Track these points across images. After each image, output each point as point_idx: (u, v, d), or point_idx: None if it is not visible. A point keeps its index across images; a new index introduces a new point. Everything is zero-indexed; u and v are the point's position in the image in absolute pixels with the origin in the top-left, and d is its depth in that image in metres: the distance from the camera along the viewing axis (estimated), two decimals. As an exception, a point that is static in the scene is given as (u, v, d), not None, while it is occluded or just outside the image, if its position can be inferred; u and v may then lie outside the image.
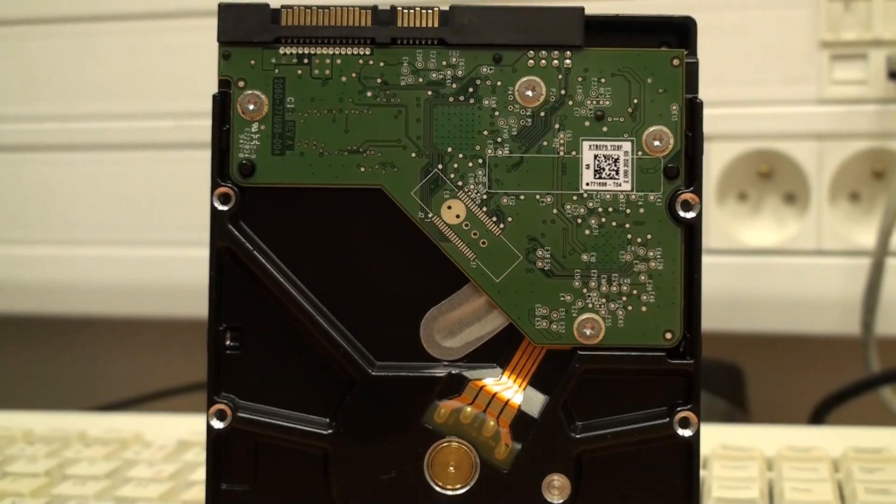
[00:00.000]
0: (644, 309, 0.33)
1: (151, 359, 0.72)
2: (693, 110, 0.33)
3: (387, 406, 0.34)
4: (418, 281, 0.34)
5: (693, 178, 0.33)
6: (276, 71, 0.34)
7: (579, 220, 0.33)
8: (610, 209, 0.33)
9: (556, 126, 0.33)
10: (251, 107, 0.34)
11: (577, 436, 0.34)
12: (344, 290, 0.34)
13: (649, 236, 0.33)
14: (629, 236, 0.33)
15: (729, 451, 0.43)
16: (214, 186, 0.34)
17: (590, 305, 0.33)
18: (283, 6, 0.34)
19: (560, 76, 0.33)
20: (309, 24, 0.34)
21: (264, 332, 0.34)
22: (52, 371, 0.75)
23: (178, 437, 0.46)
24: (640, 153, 0.33)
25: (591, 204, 0.33)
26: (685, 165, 0.33)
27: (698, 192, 0.33)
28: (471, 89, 0.34)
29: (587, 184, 0.33)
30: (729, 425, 0.50)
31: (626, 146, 0.33)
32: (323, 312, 0.34)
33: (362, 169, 0.34)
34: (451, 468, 0.34)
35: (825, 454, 0.42)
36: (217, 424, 0.34)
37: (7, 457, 0.44)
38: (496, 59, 0.34)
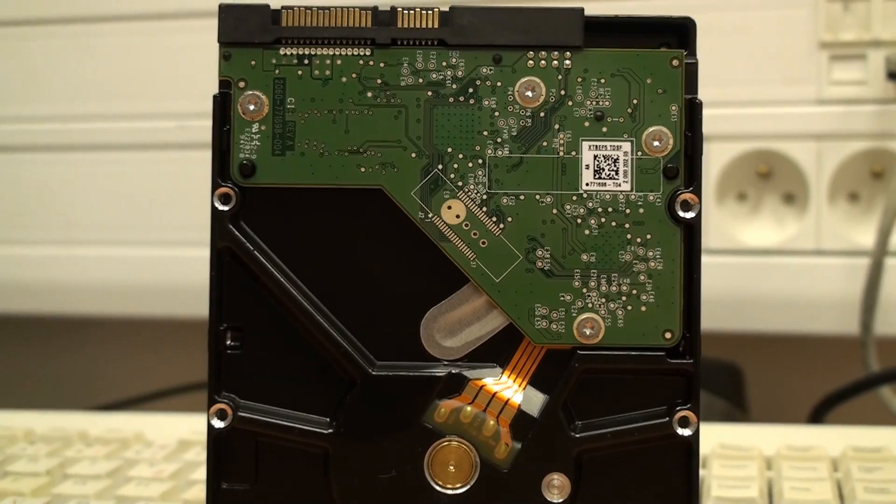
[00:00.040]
0: (644, 309, 0.33)
1: (152, 358, 0.72)
2: (692, 110, 0.33)
3: (387, 405, 0.34)
4: (418, 281, 0.34)
5: (692, 179, 0.34)
6: (277, 71, 0.34)
7: (579, 220, 0.33)
8: (609, 209, 0.33)
9: (556, 126, 0.34)
10: (252, 107, 0.34)
11: (577, 435, 0.34)
12: (344, 289, 0.34)
13: (649, 236, 0.33)
14: (629, 236, 0.33)
15: (728, 450, 0.43)
16: (215, 186, 0.34)
17: (589, 305, 0.34)
18: (283, 7, 0.34)
19: (560, 77, 0.34)
20: (309, 25, 0.34)
21: (265, 332, 0.34)
22: (52, 371, 0.75)
23: (179, 437, 0.46)
24: (639, 153, 0.34)
25: (590, 204, 0.33)
26: (685, 165, 0.34)
27: (698, 192, 0.33)
28: (471, 90, 0.34)
29: (587, 184, 0.33)
30: (728, 425, 0.50)
31: (626, 146, 0.34)
32: (323, 312, 0.34)
33: (362, 169, 0.34)
34: (452, 467, 0.34)
35: (824, 453, 0.42)
36: (218, 424, 0.34)
37: (8, 456, 0.44)
38: (496, 59, 0.34)
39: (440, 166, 0.34)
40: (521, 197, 0.33)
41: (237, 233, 0.34)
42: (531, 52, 0.34)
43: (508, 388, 0.34)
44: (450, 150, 0.34)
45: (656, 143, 0.33)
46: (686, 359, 0.34)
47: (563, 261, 0.34)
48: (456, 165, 0.34)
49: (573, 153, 0.34)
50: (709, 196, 0.58)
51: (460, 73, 0.34)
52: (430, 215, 0.34)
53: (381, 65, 0.34)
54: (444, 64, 0.34)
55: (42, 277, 0.66)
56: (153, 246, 0.64)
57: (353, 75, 0.34)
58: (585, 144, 0.34)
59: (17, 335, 0.74)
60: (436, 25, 0.34)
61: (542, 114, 0.34)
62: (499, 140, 0.34)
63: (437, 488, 0.34)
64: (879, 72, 0.56)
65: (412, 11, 0.34)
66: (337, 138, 0.34)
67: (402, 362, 0.34)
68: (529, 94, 0.34)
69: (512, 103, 0.34)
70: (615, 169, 0.33)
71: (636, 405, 0.34)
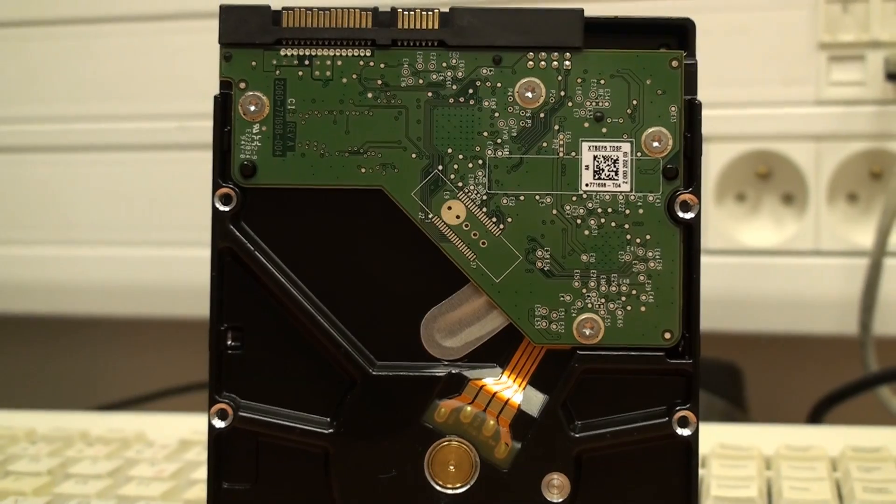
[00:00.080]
0: (643, 309, 0.34)
1: (153, 358, 0.72)
2: (692, 111, 0.34)
3: (387, 405, 0.34)
4: (418, 281, 0.34)
5: (692, 179, 0.34)
6: (278, 72, 0.34)
7: (579, 221, 0.34)
8: (609, 210, 0.34)
9: (556, 127, 0.34)
10: (252, 108, 0.34)
11: (577, 435, 0.34)
12: (344, 290, 0.34)
13: (648, 237, 0.34)
14: (628, 237, 0.34)
15: (727, 450, 0.43)
16: (216, 187, 0.34)
17: (589, 305, 0.34)
18: (284, 8, 0.34)
19: (559, 77, 0.34)
20: (310, 26, 0.34)
21: (265, 332, 0.34)
22: (54, 371, 0.75)
23: (180, 437, 0.46)
24: (639, 154, 0.34)
25: (590, 205, 0.34)
26: (684, 166, 0.34)
27: (697, 192, 0.33)
28: (471, 90, 0.34)
29: (586, 184, 0.34)
30: (727, 424, 0.50)
31: (626, 147, 0.34)
32: (324, 312, 0.34)
33: (363, 170, 0.34)
34: (452, 467, 0.34)
35: (823, 453, 0.42)
36: (218, 424, 0.34)
37: (9, 456, 0.44)
38: (496, 60, 0.34)
39: (440, 167, 0.34)
40: (521, 197, 0.34)
41: (238, 233, 0.34)
42: (531, 53, 0.34)
43: (508, 388, 0.34)
44: (450, 150, 0.34)
45: (656, 144, 0.34)
46: (685, 359, 0.34)
47: (562, 261, 0.34)
48: (456, 166, 0.34)
49: (573, 154, 0.34)
50: (708, 196, 0.58)
51: (460, 73, 0.34)
52: (430, 216, 0.34)
53: (382, 66, 0.34)
54: (445, 65, 0.34)
55: (43, 277, 0.66)
56: (154, 246, 0.64)
57: (354, 76, 0.34)
58: (585, 145, 0.34)
59: (19, 335, 0.74)
60: (436, 26, 0.34)
61: (541, 114, 0.34)
62: (499, 141, 0.34)
63: (438, 488, 0.34)
64: (878, 73, 0.56)
65: (412, 12, 0.34)
66: (337, 139, 0.34)
67: (403, 362, 0.34)
68: (529, 94, 0.34)
69: (512, 104, 0.34)
70: (615, 169, 0.34)
71: (636, 405, 0.34)
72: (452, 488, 0.34)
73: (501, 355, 0.34)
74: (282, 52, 0.34)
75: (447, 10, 0.34)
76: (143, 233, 0.65)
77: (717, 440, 0.44)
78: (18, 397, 0.70)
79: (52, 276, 0.65)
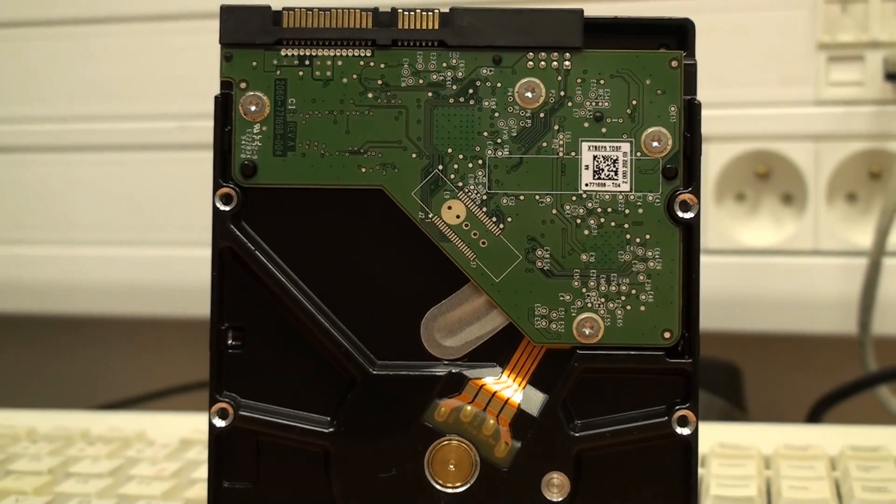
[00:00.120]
0: (643, 308, 0.34)
1: (154, 358, 0.72)
2: (691, 111, 0.34)
3: (387, 405, 0.34)
4: (418, 281, 0.34)
5: (691, 179, 0.34)
6: (278, 72, 0.34)
7: (578, 221, 0.34)
8: (609, 209, 0.34)
9: (556, 127, 0.34)
10: (253, 108, 0.34)
11: (577, 434, 0.34)
12: (345, 289, 0.34)
13: (648, 236, 0.34)
14: (628, 236, 0.34)
15: (727, 449, 0.43)
16: (216, 187, 0.34)
17: (589, 305, 0.34)
18: (284, 8, 0.34)
19: (559, 78, 0.34)
20: (310, 26, 0.34)
21: (266, 332, 0.34)
22: (54, 370, 0.75)
23: (181, 436, 0.46)
24: (638, 154, 0.34)
25: (590, 204, 0.34)
26: (683, 166, 0.34)
27: (696, 192, 0.34)
28: (471, 91, 0.34)
29: (586, 184, 0.34)
30: (727, 424, 0.50)
31: (625, 147, 0.34)
32: (324, 312, 0.34)
33: (363, 170, 0.34)
34: (452, 466, 0.34)
35: (822, 452, 0.42)
36: (219, 423, 0.34)
37: (10, 455, 0.44)
38: (496, 60, 0.34)
39: (440, 167, 0.34)
40: (521, 197, 0.34)
41: (238, 233, 0.34)
42: (531, 53, 0.34)
43: (508, 387, 0.34)
44: (450, 150, 0.34)
45: (655, 144, 0.34)
46: (685, 358, 0.34)
47: (562, 261, 0.34)
48: (456, 166, 0.34)
49: (573, 154, 0.34)
50: (707, 196, 0.58)
51: (460, 73, 0.34)
52: (430, 215, 0.34)
53: (382, 66, 0.34)
54: (445, 65, 0.34)
55: (44, 277, 0.66)
56: (155, 246, 0.64)
57: (354, 76, 0.34)
58: (585, 145, 0.34)
59: (20, 335, 0.74)
60: (436, 27, 0.34)
61: (541, 114, 0.34)
62: (499, 141, 0.34)
63: (438, 487, 0.34)
64: (877, 73, 0.56)
65: (413, 13, 0.34)
66: (338, 139, 0.34)
67: (403, 362, 0.34)
68: (529, 94, 0.34)
69: (512, 104, 0.34)
70: (614, 169, 0.34)
71: (635, 404, 0.34)
72: (452, 487, 0.34)
73: (501, 355, 0.34)
74: (282, 53, 0.34)
75: (447, 10, 0.34)
76: (144, 233, 0.65)
77: (716, 439, 0.44)
78: (19, 397, 0.70)
79: (52, 275, 0.66)
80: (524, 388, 0.34)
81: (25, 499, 0.40)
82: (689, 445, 0.34)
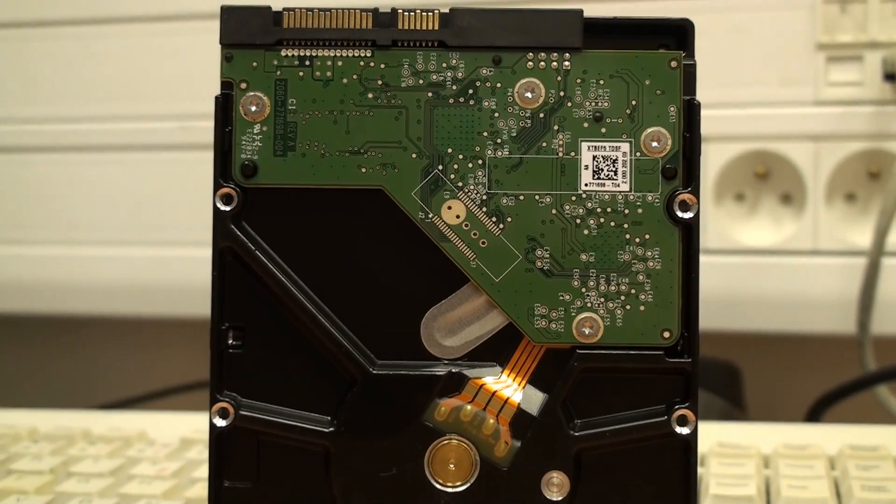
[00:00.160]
0: (642, 308, 0.34)
1: (154, 358, 0.72)
2: (691, 111, 0.34)
3: (387, 404, 0.34)
4: (419, 280, 0.34)
5: (691, 179, 0.34)
6: (278, 73, 0.34)
7: (578, 221, 0.34)
8: (608, 209, 0.34)
9: (556, 127, 0.34)
10: (253, 108, 0.34)
11: (576, 433, 0.34)
12: (345, 289, 0.34)
13: (647, 236, 0.34)
14: (627, 236, 0.34)
15: (726, 448, 0.43)
16: (217, 187, 0.34)
17: (588, 305, 0.34)
18: (284, 9, 0.34)
19: (559, 78, 0.34)
20: (310, 27, 0.34)
21: (266, 332, 0.34)
22: (56, 370, 0.75)
23: (181, 435, 0.46)
24: (638, 154, 0.34)
25: (589, 204, 0.34)
26: (683, 166, 0.34)
27: (696, 192, 0.34)
28: (471, 91, 0.34)
29: (586, 184, 0.34)
30: (726, 423, 0.50)
31: (625, 147, 0.34)
32: (324, 312, 0.34)
33: (363, 170, 0.34)
34: (452, 465, 0.34)
35: (821, 452, 0.42)
36: (220, 422, 0.34)
37: (12, 454, 0.45)
38: (496, 60, 0.34)
39: (440, 167, 0.34)
40: (521, 197, 0.34)
41: (239, 233, 0.34)
42: (531, 54, 0.34)
43: (508, 386, 0.34)
44: (450, 150, 0.34)
45: (655, 144, 0.34)
46: (684, 358, 0.34)
47: (562, 261, 0.34)
48: (456, 166, 0.34)
49: (572, 154, 0.34)
50: (707, 196, 0.58)
51: (460, 74, 0.34)
52: (430, 215, 0.34)
53: (382, 66, 0.34)
54: (445, 65, 0.34)
55: (45, 277, 0.66)
56: (156, 246, 0.64)
57: (354, 76, 0.34)
58: (584, 145, 0.34)
59: (21, 335, 0.74)
60: (436, 27, 0.34)
61: (541, 115, 0.34)
62: (498, 141, 0.34)
63: (438, 486, 0.34)
64: (876, 73, 0.56)
65: (413, 13, 0.34)
66: (338, 139, 0.34)
67: (403, 361, 0.34)
68: (529, 95, 0.34)
69: (511, 104, 0.34)
70: (614, 169, 0.34)
71: (635, 404, 0.34)
72: (452, 486, 0.34)
73: (501, 354, 0.34)
74: (282, 53, 0.34)
75: (447, 10, 0.34)
76: (145, 233, 0.65)
77: (715, 439, 0.44)
78: (20, 396, 0.70)
79: (53, 275, 0.66)
80: (524, 387, 0.34)
81: (27, 498, 0.40)
82: (689, 445, 0.34)
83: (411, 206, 0.34)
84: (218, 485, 0.35)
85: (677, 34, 0.34)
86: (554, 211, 0.34)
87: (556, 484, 0.34)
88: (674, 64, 0.34)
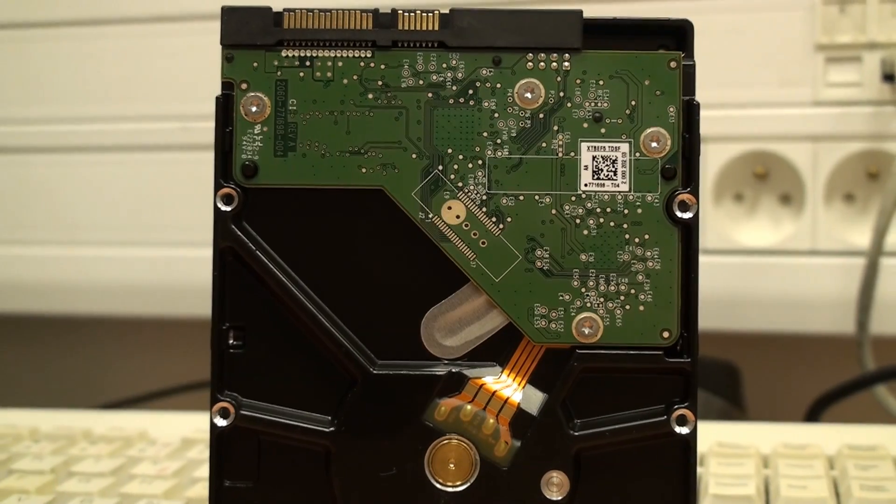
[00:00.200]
0: (642, 308, 0.34)
1: (155, 358, 0.72)
2: (690, 112, 0.34)
3: (388, 404, 0.34)
4: (419, 280, 0.34)
5: (690, 179, 0.34)
6: (279, 73, 0.34)
7: (578, 221, 0.34)
8: (608, 209, 0.34)
9: (555, 128, 0.34)
10: (254, 109, 0.34)
11: (576, 433, 0.34)
12: (345, 289, 0.34)
13: (647, 236, 0.34)
14: (627, 236, 0.34)
15: (725, 448, 0.43)
16: (218, 187, 0.34)
17: (588, 305, 0.34)
18: (285, 9, 0.34)
19: (559, 78, 0.34)
20: (311, 28, 0.34)
21: (267, 332, 0.34)
22: (57, 370, 0.75)
23: (182, 435, 0.46)
24: (637, 154, 0.34)
25: (589, 204, 0.34)
26: (682, 166, 0.34)
27: (695, 192, 0.34)
28: (470, 91, 0.34)
29: (585, 185, 0.34)
30: (725, 423, 0.51)
31: (624, 147, 0.34)
32: (325, 311, 0.34)
33: (363, 170, 0.34)
34: (452, 465, 0.34)
35: (820, 451, 0.43)
36: (220, 422, 0.34)
37: (13, 454, 0.45)
38: (496, 61, 0.34)
39: (440, 167, 0.34)
40: (521, 197, 0.34)
41: (239, 233, 0.34)
42: (530, 54, 0.34)
43: (508, 386, 0.34)
44: (450, 150, 0.34)
45: (654, 144, 0.34)
46: (684, 358, 0.34)
47: (562, 261, 0.34)
48: (456, 166, 0.34)
49: (572, 154, 0.34)
50: (706, 197, 0.58)
51: (460, 74, 0.34)
52: (430, 215, 0.34)
53: (382, 66, 0.34)
54: (445, 66, 0.34)
55: (47, 278, 0.66)
56: (157, 246, 0.65)
57: (355, 77, 0.34)
58: (584, 145, 0.34)
59: (23, 335, 0.74)
60: (436, 28, 0.34)
61: (541, 115, 0.34)
62: (498, 141, 0.34)
63: (438, 486, 0.34)
64: (875, 74, 0.56)
65: (413, 14, 0.34)
66: (338, 139, 0.34)
67: (403, 361, 0.34)
68: (529, 95, 0.34)
69: (511, 105, 0.34)
70: (613, 170, 0.34)
71: (634, 404, 0.34)
72: (452, 486, 0.34)
73: (501, 354, 0.34)
74: (283, 54, 0.34)
75: (447, 11, 0.34)
76: (146, 233, 0.65)
77: (715, 438, 0.44)
78: (21, 396, 0.70)
79: (55, 275, 0.66)
80: (524, 387, 0.34)
81: (28, 498, 0.40)
82: (688, 444, 0.34)
83: (411, 207, 0.34)
84: (219, 484, 0.35)
85: (677, 35, 0.34)
86: (554, 211, 0.34)
87: (555, 483, 0.34)
88: (673, 64, 0.34)
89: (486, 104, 0.34)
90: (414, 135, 0.34)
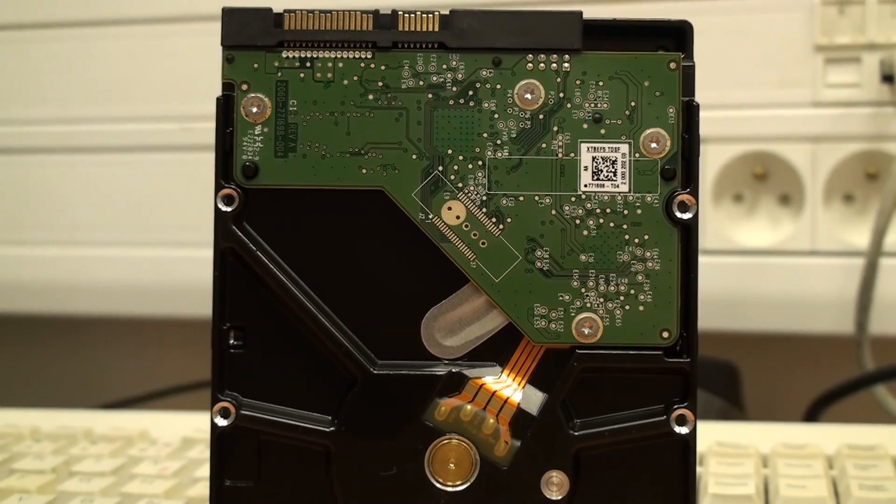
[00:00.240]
0: (641, 308, 0.34)
1: (156, 358, 0.73)
2: (689, 113, 0.34)
3: (388, 404, 0.34)
4: (419, 281, 0.34)
5: (689, 180, 0.34)
6: (279, 74, 0.34)
7: (577, 221, 0.34)
8: (608, 210, 0.34)
9: (555, 128, 0.34)
10: (254, 109, 0.34)
11: (576, 433, 0.34)
12: (346, 289, 0.34)
13: (646, 237, 0.34)
14: (627, 237, 0.34)
15: (725, 448, 0.43)
16: (218, 188, 0.34)
17: (588, 305, 0.34)
18: (285, 10, 0.34)
19: (558, 79, 0.34)
20: (311, 28, 0.34)
21: (267, 332, 0.34)
22: (58, 370, 0.75)
23: (183, 435, 0.46)
24: (637, 155, 0.34)
25: (589, 205, 0.34)
26: (682, 167, 0.34)
27: (695, 193, 0.34)
28: (471, 92, 0.34)
29: (585, 185, 0.34)
30: (725, 423, 0.51)
31: (624, 148, 0.34)
32: (325, 312, 0.34)
33: (364, 171, 0.34)
34: (452, 465, 0.34)
35: (820, 451, 0.43)
36: (221, 422, 0.34)
37: (14, 454, 0.45)
38: (496, 62, 0.34)
39: (440, 168, 0.34)
40: (521, 198, 0.34)
41: (240, 233, 0.34)
42: (530, 55, 0.34)
43: (508, 386, 0.34)
44: (450, 151, 0.34)
45: (654, 145, 0.34)
46: (683, 358, 0.34)
47: (561, 261, 0.34)
48: (456, 167, 0.34)
49: (572, 155, 0.34)
50: (706, 197, 0.58)
51: (460, 75, 0.34)
52: (430, 216, 0.34)
53: (382, 67, 0.34)
54: (445, 67, 0.34)
55: (47, 278, 0.66)
56: (157, 246, 0.65)
57: (355, 78, 0.34)
58: (584, 146, 0.34)
59: (24, 335, 0.74)
60: (436, 29, 0.34)
61: (541, 116, 0.34)
62: (498, 142, 0.34)
63: (438, 485, 0.34)
64: (874, 74, 0.56)
65: (413, 15, 0.34)
66: (338, 140, 0.34)
67: (403, 361, 0.34)
68: (528, 96, 0.34)
69: (511, 105, 0.34)
70: (613, 170, 0.34)
71: (634, 403, 0.34)
72: (452, 486, 0.34)
73: (501, 354, 0.34)
74: (283, 55, 0.34)
75: (447, 12, 0.34)
76: (146, 233, 0.65)
77: (714, 438, 0.44)
78: (22, 396, 0.71)
79: (55, 276, 0.66)
80: (524, 387, 0.34)
81: (29, 497, 0.40)
82: (688, 444, 0.34)
83: (411, 207, 0.34)
84: (219, 484, 0.35)
85: (676, 36, 0.34)
86: (553, 212, 0.34)
87: (555, 483, 0.34)
88: (673, 65, 0.34)
89: (486, 105, 0.34)
90: (414, 135, 0.34)
